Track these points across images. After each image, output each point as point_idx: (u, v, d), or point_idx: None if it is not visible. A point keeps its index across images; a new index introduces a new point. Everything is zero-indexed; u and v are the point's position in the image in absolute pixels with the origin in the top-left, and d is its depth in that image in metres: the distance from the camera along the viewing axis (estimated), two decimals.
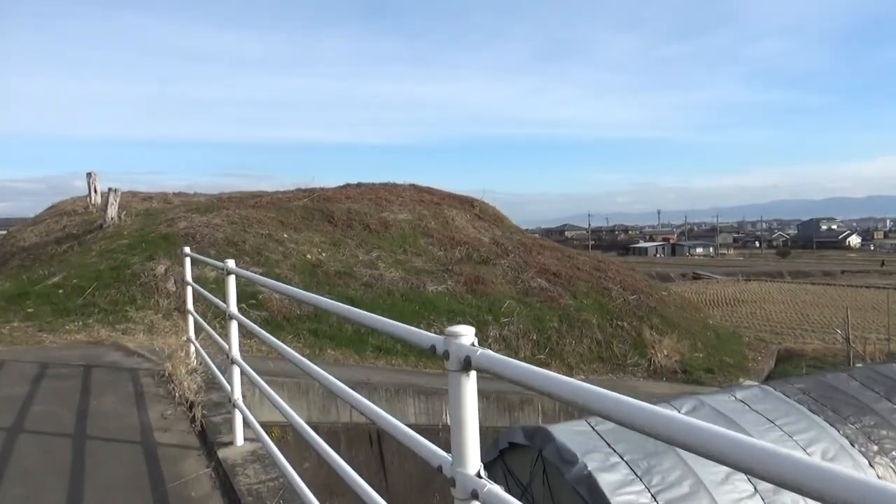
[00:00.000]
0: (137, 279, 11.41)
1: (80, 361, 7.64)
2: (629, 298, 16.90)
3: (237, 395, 4.30)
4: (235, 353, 4.32)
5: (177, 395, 5.70)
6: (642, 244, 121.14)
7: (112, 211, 14.56)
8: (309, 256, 14.82)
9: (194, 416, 5.10)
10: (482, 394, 3.65)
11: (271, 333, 3.95)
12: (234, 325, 4.36)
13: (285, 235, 15.35)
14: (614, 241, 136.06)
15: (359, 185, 22.51)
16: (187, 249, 6.86)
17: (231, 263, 4.46)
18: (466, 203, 22.32)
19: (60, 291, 11.06)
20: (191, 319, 6.86)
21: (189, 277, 6.80)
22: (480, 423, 1.67)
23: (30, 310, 10.57)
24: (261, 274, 13.12)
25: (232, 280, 4.43)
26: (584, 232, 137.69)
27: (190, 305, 6.87)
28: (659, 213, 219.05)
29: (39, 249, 15.13)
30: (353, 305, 3.14)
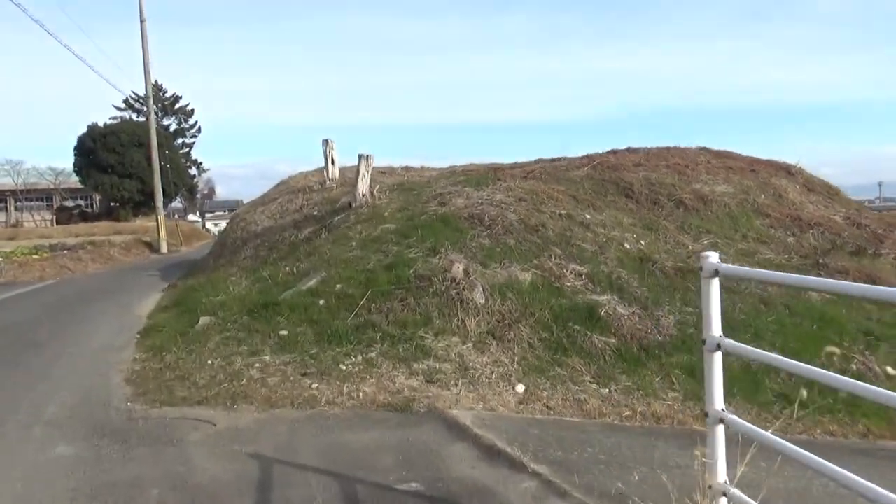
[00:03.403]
0: (427, 285, 7.49)
1: (396, 474, 3.65)
2: None
3: None
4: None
5: None
6: None
7: (364, 185, 11.02)
8: (627, 246, 10.22)
9: None
10: None
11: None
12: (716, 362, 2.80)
13: (587, 216, 10.87)
14: None
15: (628, 149, 17.58)
16: None
17: (714, 258, 2.74)
18: (782, 170, 16.50)
19: (321, 303, 7.44)
20: None
21: None
22: None
23: (283, 331, 7.02)
24: (585, 272, 8.74)
25: (716, 287, 2.73)
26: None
27: None
28: (880, 184, 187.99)
29: (275, 235, 12.12)
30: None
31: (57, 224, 53.32)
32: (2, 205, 58.14)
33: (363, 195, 11.03)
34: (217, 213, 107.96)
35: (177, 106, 59.62)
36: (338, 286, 7.71)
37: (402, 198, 10.92)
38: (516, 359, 6.79)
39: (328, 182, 13.93)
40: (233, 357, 6.50)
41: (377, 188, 11.38)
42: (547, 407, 5.87)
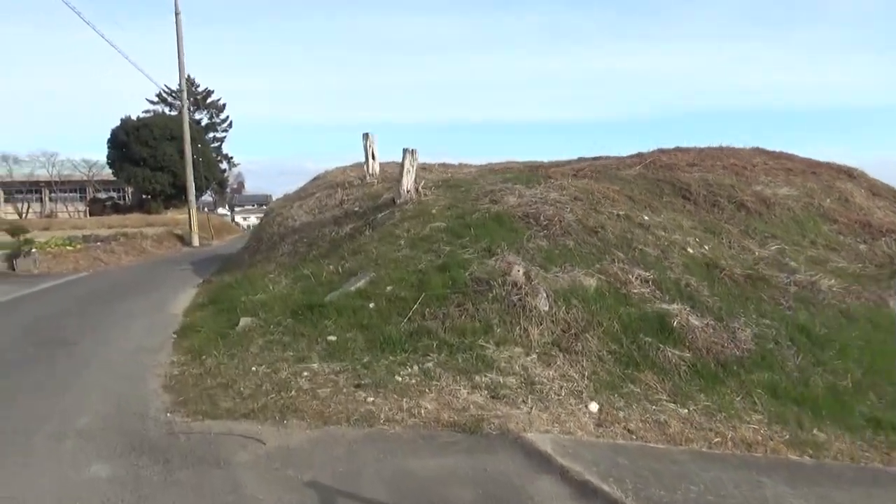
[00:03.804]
0: (486, 290, 6.90)
1: None
2: None
3: None
4: None
5: None
6: None
7: (408, 181, 10.48)
8: (690, 250, 9.53)
9: None
10: None
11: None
12: None
13: (645, 218, 10.20)
14: None
15: (678, 149, 16.78)
16: None
17: None
18: (843, 173, 15.59)
19: (371, 306, 6.90)
20: None
21: None
22: None
23: (331, 337, 6.49)
24: (651, 278, 8.08)
25: None
26: None
27: None
28: None
29: (314, 231, 11.63)
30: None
31: (90, 215, 53.79)
32: (37, 196, 58.86)
33: (408, 191, 10.48)
34: (246, 208, 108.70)
35: (209, 100, 59.80)
36: (388, 288, 7.16)
37: (450, 195, 10.34)
38: (586, 373, 6.19)
39: (368, 177, 13.42)
40: (278, 364, 5.99)
41: (422, 184, 10.82)
42: (628, 430, 5.26)
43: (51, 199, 59.41)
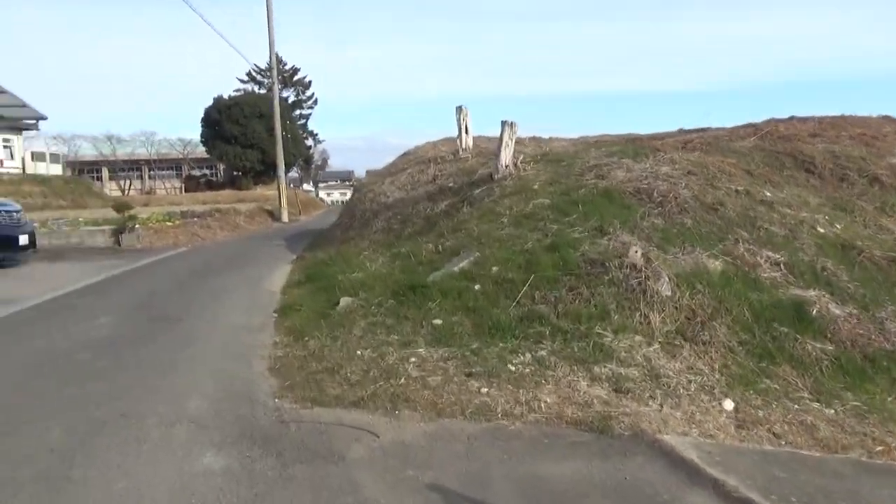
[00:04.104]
0: (600, 272, 6.38)
1: None
2: None
3: None
4: None
5: None
6: None
7: (507, 155, 10.00)
8: (821, 229, 8.62)
9: None
10: None
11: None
12: None
13: (767, 194, 9.32)
14: None
15: (793, 118, 15.44)
16: None
17: None
18: None
19: (477, 288, 6.53)
20: None
21: None
22: None
23: (436, 320, 6.17)
24: (782, 261, 7.31)
25: None
26: None
27: None
28: None
29: (408, 208, 11.37)
30: None
31: (185, 192, 56.29)
32: (137, 173, 62.10)
33: (506, 166, 10.01)
34: (329, 184, 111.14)
35: (295, 78, 60.95)
36: (493, 269, 6.76)
37: (550, 169, 9.79)
38: (716, 366, 5.60)
39: (461, 152, 13.02)
40: (383, 348, 5.72)
41: (520, 159, 10.30)
42: (773, 434, 4.68)
43: (150, 177, 62.54)
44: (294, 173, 66.94)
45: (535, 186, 8.98)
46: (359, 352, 5.69)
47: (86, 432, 4.17)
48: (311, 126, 63.75)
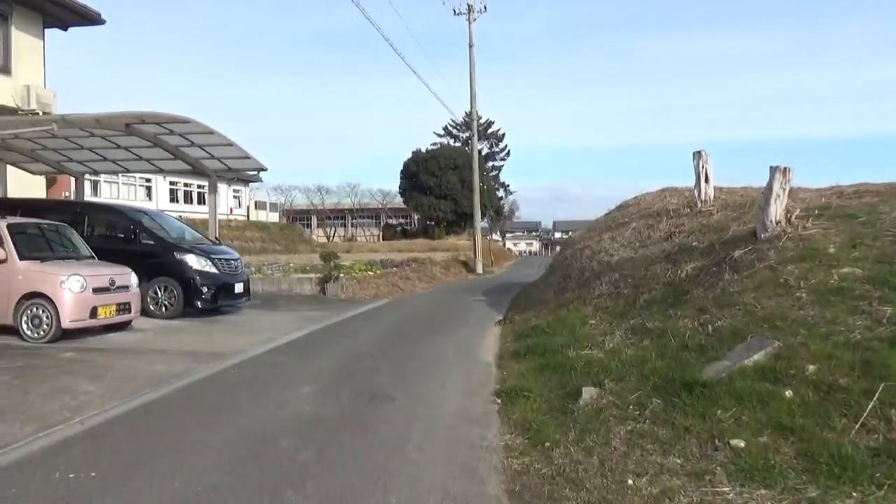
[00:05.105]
0: None
1: None
2: None
3: None
4: None
5: None
6: None
7: (778, 208, 7.93)
8: None
9: None
10: None
11: None
12: None
13: None
14: None
15: None
16: None
17: None
18: None
19: (788, 395, 4.63)
20: None
21: None
22: None
23: (736, 440, 4.39)
24: None
25: None
26: None
27: None
28: None
29: (639, 269, 9.63)
30: None
31: (382, 239, 58.96)
32: (341, 221, 66.39)
33: (777, 222, 7.94)
34: (516, 234, 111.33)
35: (489, 131, 61.96)
36: (809, 367, 4.83)
37: (844, 227, 7.55)
38: None
39: (700, 204, 11.06)
40: (664, 478, 4.06)
41: (795, 213, 8.16)
42: None
43: (352, 225, 66.52)
44: (483, 223, 67.57)
45: (831, 250, 6.84)
46: (630, 480, 4.08)
47: None
48: (502, 177, 64.18)
